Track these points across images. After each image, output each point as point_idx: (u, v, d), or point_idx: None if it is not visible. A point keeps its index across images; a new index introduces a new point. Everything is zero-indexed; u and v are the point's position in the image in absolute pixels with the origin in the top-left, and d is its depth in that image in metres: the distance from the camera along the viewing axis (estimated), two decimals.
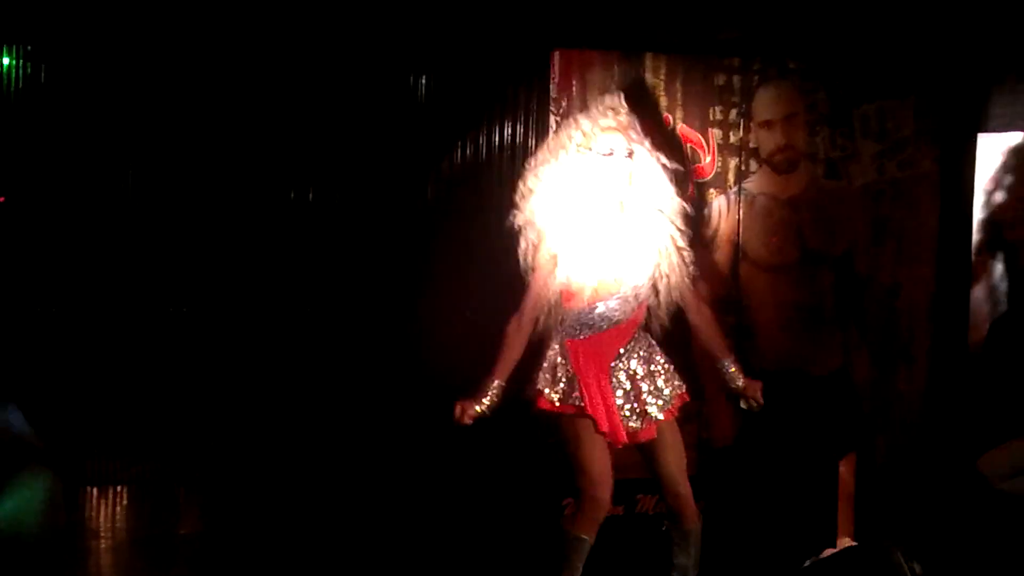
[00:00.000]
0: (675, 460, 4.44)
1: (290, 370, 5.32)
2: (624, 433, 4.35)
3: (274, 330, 5.34)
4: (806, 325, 5.55)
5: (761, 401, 4.50)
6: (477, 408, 4.27)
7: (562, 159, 4.31)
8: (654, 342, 4.43)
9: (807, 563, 5.28)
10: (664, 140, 4.55)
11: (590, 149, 4.27)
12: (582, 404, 4.31)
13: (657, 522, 5.38)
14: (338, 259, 5.49)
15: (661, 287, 4.36)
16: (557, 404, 4.36)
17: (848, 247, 5.67)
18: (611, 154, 4.27)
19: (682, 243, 4.39)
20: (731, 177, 5.56)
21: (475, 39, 5.36)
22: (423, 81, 5.48)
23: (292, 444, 5.29)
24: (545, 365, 4.39)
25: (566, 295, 4.33)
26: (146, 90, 5.27)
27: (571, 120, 4.41)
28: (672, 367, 4.46)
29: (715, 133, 5.51)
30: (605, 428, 4.31)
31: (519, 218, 4.34)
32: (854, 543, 5.36)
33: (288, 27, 5.20)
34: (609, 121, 4.32)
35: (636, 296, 4.34)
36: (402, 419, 5.43)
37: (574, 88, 5.25)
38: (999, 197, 5.98)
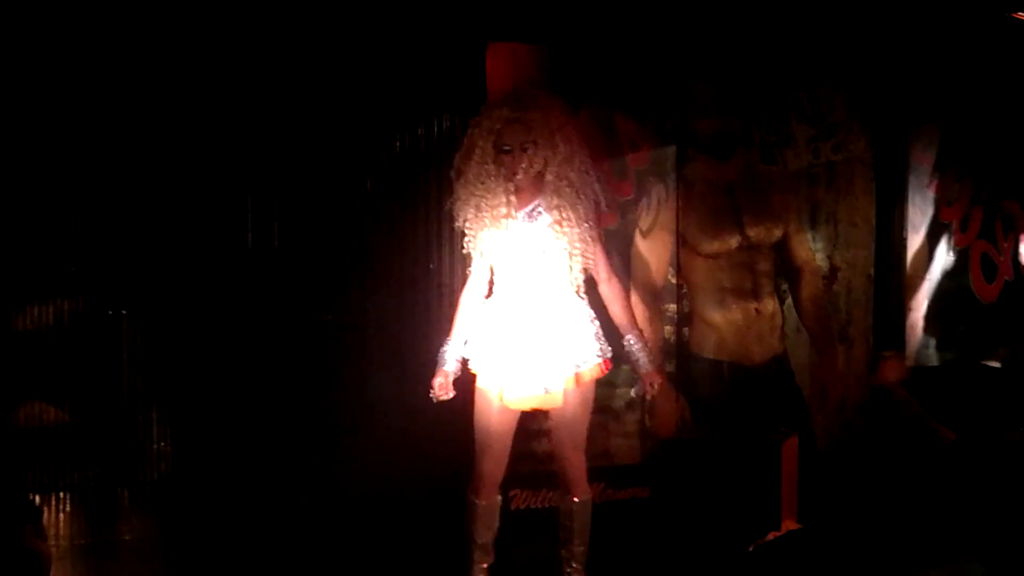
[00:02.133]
0: (568, 429, 4.53)
1: (234, 370, 5.28)
2: (524, 401, 4.43)
3: (217, 330, 5.29)
4: (745, 311, 5.60)
5: (649, 394, 4.61)
6: (447, 369, 4.45)
7: (475, 154, 4.47)
8: (581, 310, 4.52)
9: (752, 547, 5.33)
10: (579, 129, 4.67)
11: (492, 144, 4.42)
12: (479, 371, 4.46)
13: (602, 510, 5.43)
14: (279, 252, 5.44)
15: (572, 255, 4.48)
16: (470, 369, 4.51)
17: (785, 231, 5.71)
18: (509, 150, 4.41)
19: (588, 215, 4.52)
20: (669, 164, 5.58)
21: (411, 31, 5.34)
22: (359, 73, 5.43)
23: (239, 447, 5.26)
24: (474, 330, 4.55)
25: (493, 264, 4.53)
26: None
27: (479, 116, 4.52)
28: (595, 336, 4.53)
29: (652, 121, 5.53)
30: (495, 393, 4.42)
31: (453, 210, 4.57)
32: (798, 526, 5.42)
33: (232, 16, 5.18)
34: (509, 113, 4.44)
35: (552, 267, 4.47)
36: (348, 412, 5.38)
37: (511, 82, 5.25)
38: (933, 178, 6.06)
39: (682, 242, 5.55)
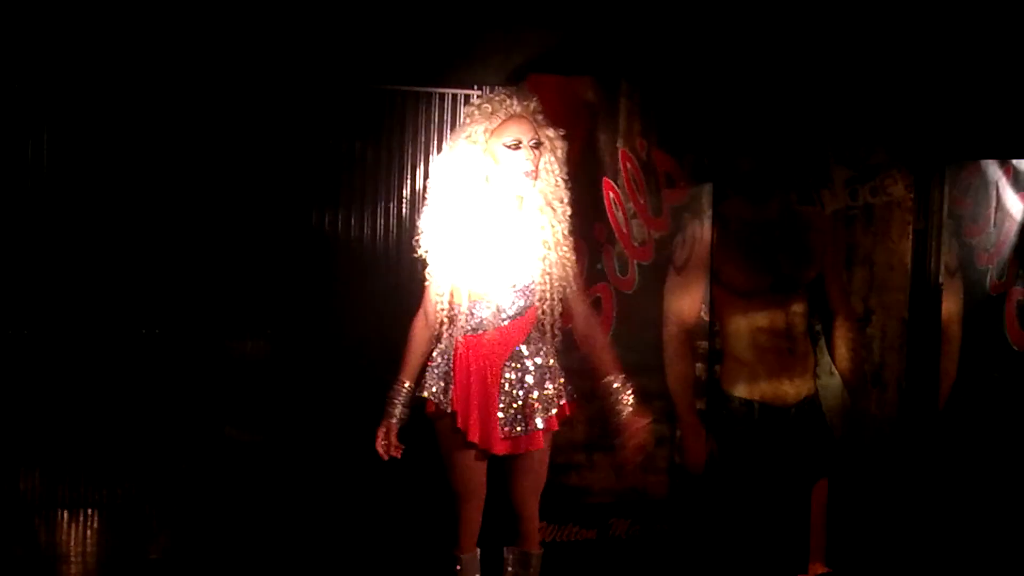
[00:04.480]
0: (533, 481, 4.21)
1: (255, 390, 5.28)
2: (501, 443, 4.09)
3: (231, 349, 5.28)
4: (778, 351, 5.57)
5: (639, 444, 4.16)
6: (394, 420, 4.10)
7: (467, 150, 4.08)
8: (549, 344, 4.19)
9: None
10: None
11: (493, 137, 4.05)
12: (452, 410, 4.08)
13: (630, 546, 5.42)
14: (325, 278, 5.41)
15: (548, 284, 4.14)
16: (434, 406, 4.14)
17: (820, 273, 5.69)
18: (517, 146, 4.06)
19: (568, 241, 4.19)
20: (705, 202, 5.58)
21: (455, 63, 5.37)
22: (389, 99, 5.42)
23: (263, 462, 5.26)
24: (429, 364, 4.17)
25: (460, 290, 4.12)
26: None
27: (475, 106, 4.17)
28: (561, 374, 4.20)
29: (690, 158, 5.53)
30: (475, 439, 4.06)
31: (424, 210, 4.19)
32: (826, 570, 5.38)
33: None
34: (515, 107, 4.09)
35: (529, 292, 4.13)
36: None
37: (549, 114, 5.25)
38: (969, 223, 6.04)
39: (716, 280, 5.54)
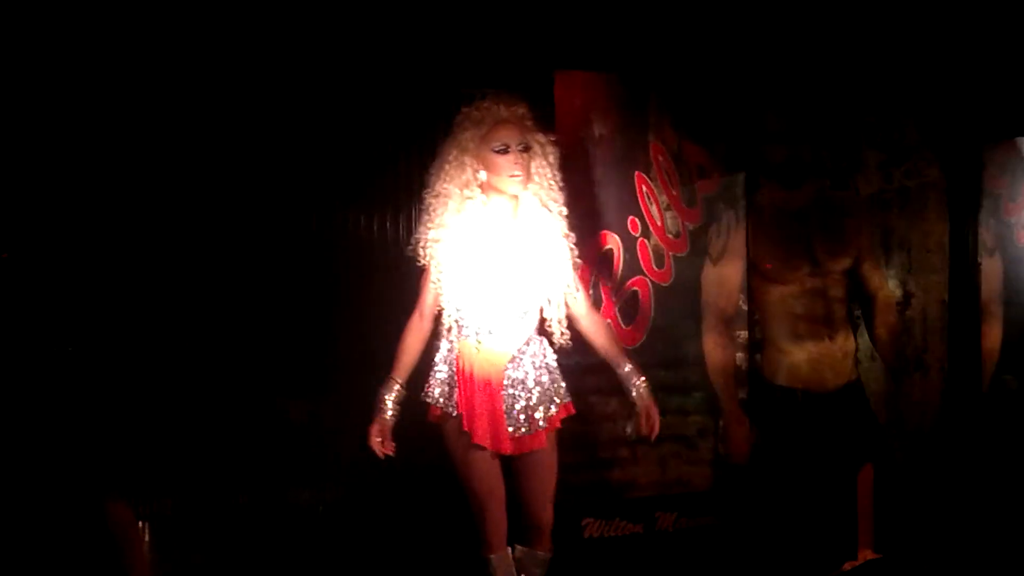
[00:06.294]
0: (543, 483, 4.25)
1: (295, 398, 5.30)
2: (509, 442, 4.14)
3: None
4: (818, 337, 5.55)
5: (649, 429, 4.27)
6: (387, 417, 4.15)
7: (458, 158, 4.13)
8: (549, 347, 4.25)
9: None
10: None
11: (483, 143, 4.10)
12: (458, 413, 4.13)
13: (677, 538, 5.41)
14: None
15: (552, 292, 4.21)
16: (439, 412, 4.19)
17: (857, 258, 5.66)
18: (505, 150, 4.11)
19: (566, 243, 4.25)
20: (739, 191, 5.56)
21: (478, 57, 5.36)
22: (432, 102, 5.43)
23: (309, 475, 5.29)
24: (433, 370, 4.22)
25: (460, 298, 4.16)
26: None
27: (464, 115, 4.22)
28: (560, 376, 4.26)
29: (722, 147, 5.51)
30: (485, 441, 4.11)
31: (423, 215, 4.23)
32: (875, 556, 5.36)
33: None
34: (502, 112, 4.15)
35: (530, 298, 4.19)
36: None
37: (579, 110, 5.25)
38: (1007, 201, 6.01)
39: (753, 268, 5.52)
